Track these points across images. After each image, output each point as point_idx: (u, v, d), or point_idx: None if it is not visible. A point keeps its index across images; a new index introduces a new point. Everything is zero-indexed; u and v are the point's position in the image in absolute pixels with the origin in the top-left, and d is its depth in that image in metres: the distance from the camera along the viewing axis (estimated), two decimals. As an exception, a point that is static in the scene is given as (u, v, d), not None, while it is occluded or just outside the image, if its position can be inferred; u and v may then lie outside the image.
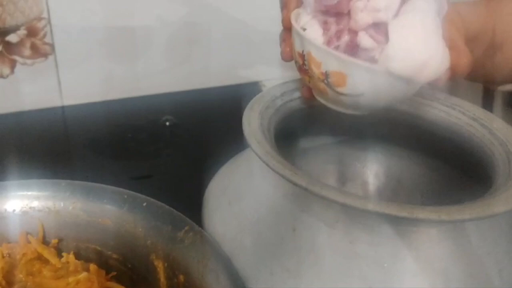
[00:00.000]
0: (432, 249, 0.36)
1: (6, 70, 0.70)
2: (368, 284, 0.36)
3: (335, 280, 0.37)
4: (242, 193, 0.44)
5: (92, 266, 0.40)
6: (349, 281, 0.36)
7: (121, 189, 0.44)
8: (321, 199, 0.36)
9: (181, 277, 0.39)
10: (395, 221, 0.36)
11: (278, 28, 0.78)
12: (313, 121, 0.49)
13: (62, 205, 0.44)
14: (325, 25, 0.41)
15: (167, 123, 0.72)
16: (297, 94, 0.47)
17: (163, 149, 0.67)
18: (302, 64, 0.42)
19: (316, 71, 0.41)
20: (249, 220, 0.42)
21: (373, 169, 0.54)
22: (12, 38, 0.68)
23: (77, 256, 0.43)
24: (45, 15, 0.68)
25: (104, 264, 0.43)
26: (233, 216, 0.43)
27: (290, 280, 0.37)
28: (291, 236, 0.39)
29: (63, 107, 0.74)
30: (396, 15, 0.38)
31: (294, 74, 0.50)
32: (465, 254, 0.37)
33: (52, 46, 0.70)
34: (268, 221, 0.40)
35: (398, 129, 0.49)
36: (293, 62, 0.79)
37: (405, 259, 0.36)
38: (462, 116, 0.45)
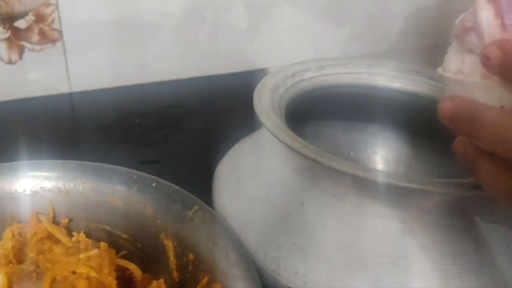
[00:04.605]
0: (441, 224, 0.37)
1: (14, 56, 0.70)
2: (376, 257, 0.36)
3: (343, 253, 0.37)
4: (252, 171, 0.44)
5: (103, 244, 0.41)
6: (357, 255, 0.36)
7: (130, 170, 0.45)
8: (330, 173, 0.37)
9: (191, 256, 0.40)
10: (405, 194, 0.36)
11: (285, 14, 0.78)
12: (322, 104, 0.49)
13: (72, 185, 0.44)
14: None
15: (175, 110, 0.72)
16: (308, 75, 0.47)
17: (170, 135, 0.67)
18: None
19: None
20: (258, 197, 0.42)
21: (382, 154, 0.54)
22: (21, 24, 0.68)
23: (87, 236, 0.43)
24: (53, 1, 0.68)
25: (114, 243, 0.43)
26: (242, 193, 0.43)
27: (298, 255, 0.38)
28: (299, 211, 0.39)
29: (71, 94, 0.74)
30: None
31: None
32: (474, 229, 0.37)
33: (60, 32, 0.70)
34: (277, 197, 0.41)
35: (409, 113, 0.49)
36: (302, 49, 0.78)
37: (413, 233, 0.36)
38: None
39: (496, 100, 0.30)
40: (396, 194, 0.36)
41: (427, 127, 0.49)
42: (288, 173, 0.41)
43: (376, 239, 0.37)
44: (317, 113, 0.50)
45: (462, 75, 0.31)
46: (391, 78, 0.49)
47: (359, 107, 0.49)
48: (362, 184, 0.37)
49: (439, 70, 0.33)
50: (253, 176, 0.43)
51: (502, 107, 0.30)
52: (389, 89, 0.49)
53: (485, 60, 0.29)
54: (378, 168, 0.53)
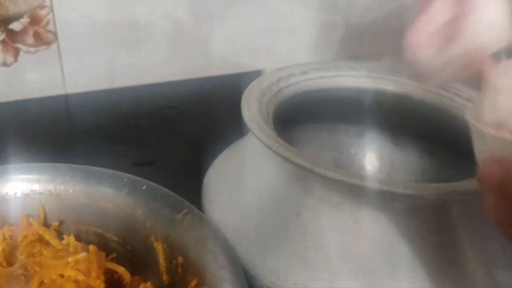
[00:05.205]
0: (437, 227, 0.37)
1: (9, 58, 0.70)
2: (375, 263, 0.36)
3: (343, 261, 0.37)
4: (243, 181, 0.44)
5: (92, 247, 0.41)
6: (357, 262, 0.36)
7: (120, 173, 0.45)
8: (325, 181, 0.36)
9: (180, 259, 0.40)
10: (401, 199, 0.36)
11: (281, 16, 0.78)
12: (306, 108, 0.49)
13: (62, 188, 0.44)
14: None
15: (170, 111, 0.72)
16: (292, 80, 0.47)
17: (165, 136, 0.67)
18: None
19: None
20: (251, 208, 0.42)
21: (366, 155, 0.54)
22: (15, 26, 0.69)
23: (78, 238, 0.43)
24: (47, 3, 0.68)
25: (104, 246, 0.43)
26: (234, 204, 0.43)
27: (297, 265, 0.38)
28: (296, 221, 0.39)
29: (66, 95, 0.74)
30: None
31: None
32: (470, 231, 0.37)
33: (55, 34, 0.70)
34: (271, 207, 0.40)
35: (391, 113, 0.49)
36: (296, 51, 0.78)
37: (410, 237, 0.36)
38: (457, 97, 0.45)
39: None
40: (392, 200, 0.36)
41: (409, 127, 0.50)
42: (281, 183, 0.40)
43: (374, 245, 0.37)
44: (301, 117, 0.50)
45: (506, 132, 0.27)
46: (374, 80, 0.49)
47: (342, 109, 0.49)
48: (357, 192, 0.36)
49: (470, 118, 0.29)
50: (244, 187, 0.43)
51: None
52: (371, 90, 0.49)
53: None
54: (362, 169, 0.53)
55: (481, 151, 0.28)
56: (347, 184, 0.35)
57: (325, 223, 0.38)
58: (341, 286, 0.36)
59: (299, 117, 0.50)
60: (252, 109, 0.42)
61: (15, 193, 0.44)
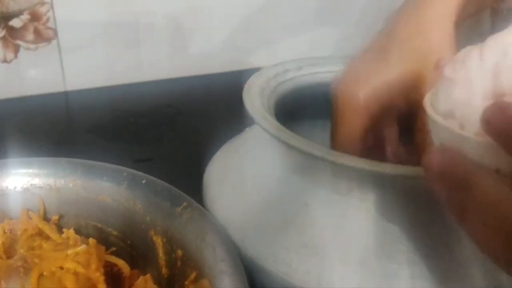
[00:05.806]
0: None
1: (9, 55, 0.70)
2: (387, 251, 0.36)
3: (354, 250, 0.37)
4: (245, 174, 0.44)
5: (91, 240, 0.41)
6: (368, 250, 0.36)
7: (120, 167, 0.45)
8: (334, 169, 0.36)
9: (179, 252, 0.40)
10: (411, 184, 0.35)
11: (280, 14, 0.78)
12: (300, 104, 0.49)
13: (62, 182, 0.44)
14: None
15: (169, 109, 0.72)
16: (288, 75, 0.47)
17: (164, 133, 0.67)
18: None
19: None
20: (256, 200, 0.42)
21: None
22: (16, 23, 0.69)
23: (78, 233, 0.43)
24: (47, 0, 0.68)
25: (104, 240, 0.43)
26: (238, 198, 0.43)
27: (308, 255, 0.37)
28: (304, 211, 0.38)
29: (66, 92, 0.74)
30: None
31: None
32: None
33: (55, 31, 0.70)
34: (279, 199, 0.40)
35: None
36: (295, 49, 0.78)
37: (423, 225, 0.36)
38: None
39: (492, 161, 0.26)
40: (402, 184, 0.36)
41: (404, 119, 0.49)
42: (287, 174, 0.40)
43: (385, 233, 0.36)
44: (294, 113, 0.50)
45: (453, 122, 0.27)
46: None
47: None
48: (366, 179, 0.36)
49: (427, 103, 0.29)
50: (247, 180, 0.43)
51: (498, 170, 0.25)
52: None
53: (486, 125, 0.25)
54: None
55: (433, 136, 0.29)
56: (359, 170, 0.35)
57: (334, 212, 0.38)
58: (354, 274, 0.36)
59: (291, 113, 0.50)
60: (255, 103, 0.42)
61: (15, 187, 0.44)
